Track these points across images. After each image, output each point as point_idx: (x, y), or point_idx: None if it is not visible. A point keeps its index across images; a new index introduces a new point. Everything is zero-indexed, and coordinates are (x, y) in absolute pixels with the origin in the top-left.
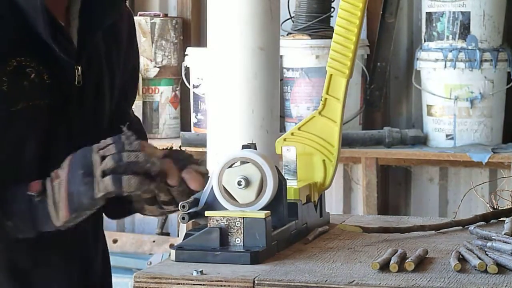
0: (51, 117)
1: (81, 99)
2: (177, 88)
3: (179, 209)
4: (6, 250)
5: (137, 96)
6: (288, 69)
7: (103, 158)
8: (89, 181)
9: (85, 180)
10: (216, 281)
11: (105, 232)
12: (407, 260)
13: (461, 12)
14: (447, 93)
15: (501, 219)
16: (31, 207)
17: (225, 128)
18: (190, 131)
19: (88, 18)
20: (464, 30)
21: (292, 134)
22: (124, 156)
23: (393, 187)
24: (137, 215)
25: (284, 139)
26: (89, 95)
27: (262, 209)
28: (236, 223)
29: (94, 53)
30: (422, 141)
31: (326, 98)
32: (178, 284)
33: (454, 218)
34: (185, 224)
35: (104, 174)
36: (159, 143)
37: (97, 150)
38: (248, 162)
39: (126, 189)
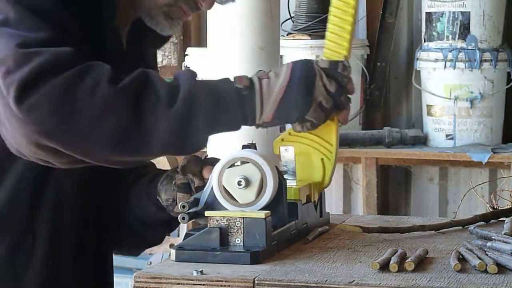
0: None
1: None
2: None
3: (179, 209)
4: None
5: None
6: None
7: (325, 88)
8: (308, 101)
9: (304, 98)
10: (216, 281)
11: None
12: (407, 260)
13: (461, 12)
14: (447, 93)
15: (501, 219)
16: (239, 99)
17: None
18: None
19: (134, 42)
20: (464, 30)
21: (289, 134)
22: (340, 93)
23: (393, 187)
24: None
25: (282, 139)
26: None
27: (262, 209)
28: (236, 223)
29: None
30: (422, 141)
31: None
32: (178, 284)
33: (454, 218)
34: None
35: (321, 104)
36: None
37: (319, 71)
38: (248, 162)
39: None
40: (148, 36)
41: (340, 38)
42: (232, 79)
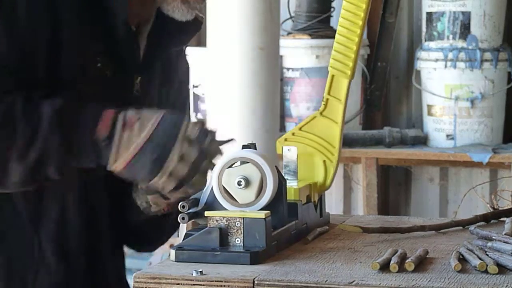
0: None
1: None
2: None
3: (179, 209)
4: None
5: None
6: (288, 69)
7: (181, 158)
8: (156, 169)
9: (154, 164)
10: (216, 281)
11: None
12: (407, 260)
13: (462, 12)
14: (447, 93)
15: (502, 219)
16: (95, 149)
17: (226, 128)
18: None
19: (156, 40)
20: (465, 30)
21: (293, 134)
22: (201, 166)
23: (393, 187)
24: None
25: (285, 139)
26: (142, 106)
27: (262, 209)
28: (236, 223)
29: (154, 72)
30: (422, 141)
31: (327, 99)
32: (178, 284)
33: (454, 218)
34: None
35: (172, 173)
36: None
37: (183, 139)
38: (248, 162)
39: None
40: (171, 32)
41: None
42: (95, 124)
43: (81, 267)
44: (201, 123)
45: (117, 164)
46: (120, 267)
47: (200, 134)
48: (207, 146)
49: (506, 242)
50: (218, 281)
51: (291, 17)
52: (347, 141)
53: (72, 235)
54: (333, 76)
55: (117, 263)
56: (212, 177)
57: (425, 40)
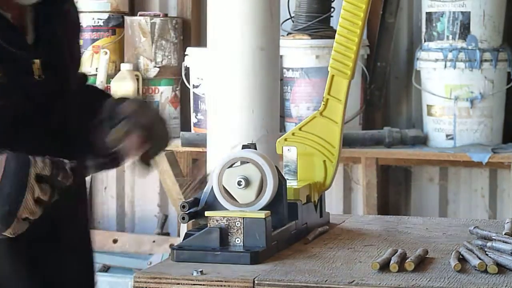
0: (12, 116)
1: (44, 91)
2: (177, 88)
3: (180, 209)
4: None
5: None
6: (288, 69)
7: (36, 201)
8: (10, 219)
9: (7, 215)
10: (216, 281)
11: (105, 232)
12: (407, 260)
13: (461, 12)
14: (447, 93)
15: (502, 219)
16: None
17: (225, 128)
18: (190, 131)
19: (41, 8)
20: (464, 30)
21: (293, 134)
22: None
23: (393, 187)
24: (137, 215)
25: (285, 139)
26: (52, 86)
27: (262, 209)
28: (236, 223)
29: (54, 42)
30: (422, 141)
31: (327, 99)
32: (178, 284)
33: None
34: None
35: (27, 218)
36: None
37: (32, 183)
38: (248, 162)
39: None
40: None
41: (346, 59)
42: None
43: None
44: (48, 161)
45: None
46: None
47: (53, 171)
48: (59, 182)
49: (506, 242)
50: (218, 281)
51: (291, 17)
52: (347, 141)
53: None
54: (333, 76)
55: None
56: (212, 177)
57: (425, 40)
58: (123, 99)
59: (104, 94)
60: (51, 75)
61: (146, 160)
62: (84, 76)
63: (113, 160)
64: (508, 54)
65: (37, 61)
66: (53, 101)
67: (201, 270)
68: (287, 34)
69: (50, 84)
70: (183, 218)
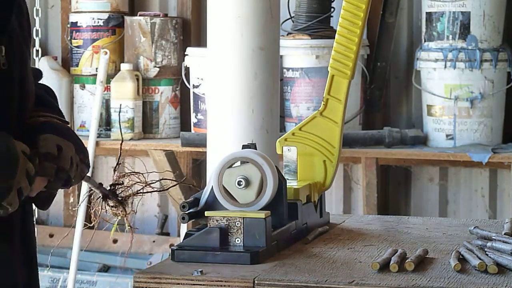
0: None
1: (8, 79)
2: (177, 88)
3: (180, 209)
4: None
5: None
6: (288, 69)
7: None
8: (8, 187)
9: (4, 183)
10: (216, 281)
11: (105, 232)
12: (407, 260)
13: (461, 12)
14: (447, 93)
15: (501, 219)
16: None
17: (225, 128)
18: (190, 131)
19: None
20: (464, 30)
21: (293, 134)
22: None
23: (393, 187)
24: (137, 215)
25: (285, 139)
26: (16, 74)
27: (262, 209)
28: (236, 223)
29: (13, 32)
30: (422, 141)
31: (327, 99)
32: (178, 284)
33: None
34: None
35: (20, 190)
36: (159, 143)
37: (22, 154)
38: (248, 162)
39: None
40: None
41: (346, 59)
42: None
43: None
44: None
45: None
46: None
47: (32, 153)
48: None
49: (506, 242)
50: (218, 281)
51: (291, 17)
52: (347, 141)
53: None
54: (333, 76)
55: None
56: (212, 177)
57: (425, 40)
58: (48, 127)
59: (47, 101)
60: (13, 63)
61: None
62: (37, 71)
63: None
64: (508, 54)
65: (2, 47)
66: (14, 90)
67: (201, 270)
68: (287, 34)
69: (13, 72)
70: (183, 218)
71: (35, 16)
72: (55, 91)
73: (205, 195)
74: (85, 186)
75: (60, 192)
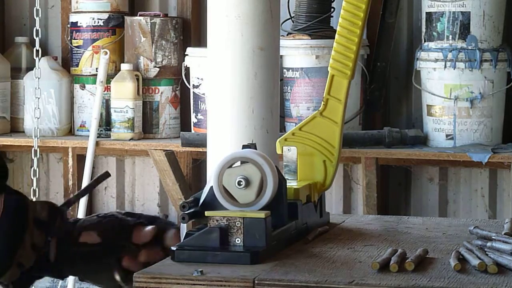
0: None
1: None
2: (177, 88)
3: (180, 209)
4: None
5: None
6: (288, 69)
7: (32, 246)
8: (7, 264)
9: (3, 259)
10: (216, 281)
11: None
12: (407, 260)
13: (461, 12)
14: (447, 93)
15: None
16: None
17: (225, 128)
18: (190, 131)
19: None
20: (464, 30)
21: (293, 134)
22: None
23: (393, 187)
24: None
25: (285, 139)
26: None
27: (262, 209)
28: (236, 223)
29: None
30: (422, 141)
31: (327, 99)
32: (178, 284)
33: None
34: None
35: (20, 264)
36: (159, 143)
37: (31, 223)
38: (248, 162)
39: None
40: None
41: (346, 58)
42: None
43: None
44: (48, 204)
45: None
46: None
47: (50, 215)
48: (58, 227)
49: (506, 242)
50: (218, 281)
51: (291, 17)
52: (347, 141)
53: None
54: (333, 76)
55: None
56: (212, 177)
57: (425, 40)
58: None
59: None
60: None
61: None
62: None
63: None
64: (508, 54)
65: None
66: None
67: (201, 270)
68: (287, 34)
69: None
70: (183, 218)
71: (35, 16)
72: (55, 91)
73: (205, 195)
74: (84, 185)
75: (61, 192)
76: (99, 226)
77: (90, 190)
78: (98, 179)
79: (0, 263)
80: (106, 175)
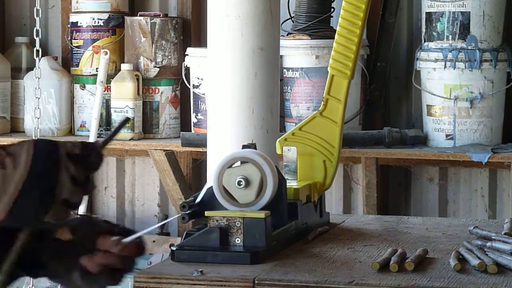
0: None
1: None
2: (177, 88)
3: (180, 209)
4: None
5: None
6: (288, 69)
7: (72, 181)
8: (49, 201)
9: (45, 197)
10: (216, 281)
11: None
12: (407, 260)
13: (461, 12)
14: (447, 93)
15: (501, 219)
16: None
17: (225, 128)
18: (190, 131)
19: None
20: (464, 30)
21: (293, 134)
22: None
23: (393, 187)
24: (137, 215)
25: (285, 139)
26: None
27: (262, 209)
28: (236, 223)
29: None
30: (422, 141)
31: (327, 99)
32: (178, 284)
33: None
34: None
35: (65, 201)
36: (159, 143)
37: (65, 159)
38: (248, 162)
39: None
40: None
41: (346, 59)
42: None
43: None
44: (79, 144)
45: None
46: None
47: (81, 151)
48: (91, 162)
49: (505, 242)
50: (218, 280)
51: (291, 17)
52: (347, 141)
53: None
54: (333, 76)
55: None
56: (212, 177)
57: (425, 40)
58: None
59: None
60: None
61: None
62: None
63: None
64: (507, 54)
65: None
66: None
67: (201, 270)
68: (287, 34)
69: None
70: (183, 218)
71: (35, 16)
72: (55, 91)
73: (205, 195)
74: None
75: None
76: (73, 224)
77: (114, 136)
78: (120, 125)
79: (39, 202)
80: (127, 120)
